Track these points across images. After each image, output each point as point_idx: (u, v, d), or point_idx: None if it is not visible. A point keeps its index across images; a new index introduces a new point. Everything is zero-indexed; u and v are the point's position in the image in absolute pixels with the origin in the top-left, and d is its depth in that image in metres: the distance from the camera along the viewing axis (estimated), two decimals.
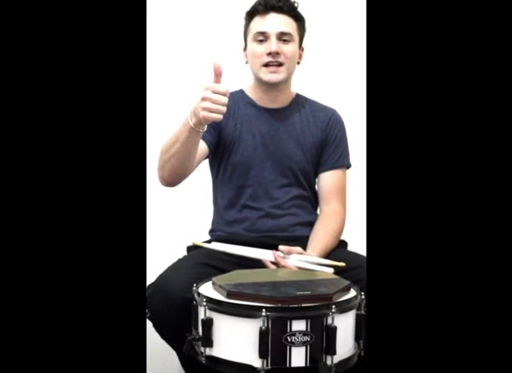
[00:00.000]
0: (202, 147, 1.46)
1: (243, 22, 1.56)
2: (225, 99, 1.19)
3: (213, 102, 1.18)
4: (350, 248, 1.57)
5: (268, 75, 1.48)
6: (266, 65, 1.48)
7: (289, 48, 1.48)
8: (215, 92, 1.18)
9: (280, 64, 1.48)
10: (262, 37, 1.48)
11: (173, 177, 1.41)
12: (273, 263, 1.38)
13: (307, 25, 1.56)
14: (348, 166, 1.61)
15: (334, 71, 2.03)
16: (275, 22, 1.48)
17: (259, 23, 1.49)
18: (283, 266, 1.35)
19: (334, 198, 1.57)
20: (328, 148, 1.58)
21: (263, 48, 1.48)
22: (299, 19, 1.52)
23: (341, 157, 1.59)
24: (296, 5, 1.51)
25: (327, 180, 1.58)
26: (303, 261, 1.37)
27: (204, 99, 1.18)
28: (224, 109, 1.20)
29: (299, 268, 1.35)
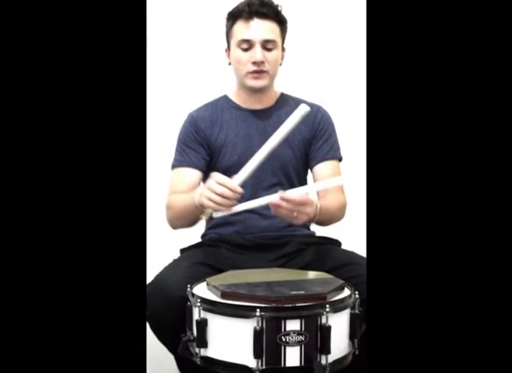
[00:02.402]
0: (196, 175, 1.53)
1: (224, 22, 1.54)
2: (228, 193, 1.24)
3: (217, 193, 1.24)
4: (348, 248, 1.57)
5: (253, 81, 1.49)
6: (251, 72, 1.48)
7: (273, 55, 1.49)
8: (220, 184, 1.25)
9: (264, 71, 1.48)
10: (247, 45, 1.47)
11: (177, 227, 1.53)
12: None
13: (298, 22, 1.55)
14: (340, 159, 1.60)
15: (334, 72, 2.03)
16: (260, 30, 1.47)
17: (243, 30, 1.48)
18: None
19: (332, 188, 1.51)
20: (317, 142, 1.57)
21: (247, 56, 1.48)
22: (282, 23, 1.51)
23: (332, 149, 1.58)
24: (279, 9, 1.50)
25: (321, 171, 1.56)
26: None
27: (209, 188, 1.26)
28: (229, 203, 1.25)
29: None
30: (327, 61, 2.05)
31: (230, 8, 1.53)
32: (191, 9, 2.05)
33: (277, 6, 1.50)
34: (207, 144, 1.54)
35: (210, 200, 1.26)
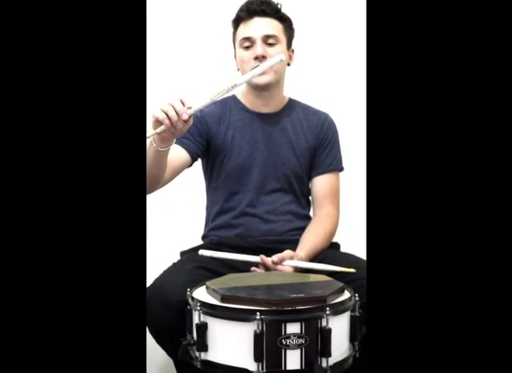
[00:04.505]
0: (182, 155, 1.48)
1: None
2: (178, 104, 1.20)
3: (169, 103, 1.20)
4: (346, 250, 1.57)
5: (257, 78, 1.46)
6: (254, 68, 1.47)
7: (276, 50, 1.48)
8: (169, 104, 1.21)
9: None
10: (248, 43, 1.48)
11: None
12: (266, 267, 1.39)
13: (305, 27, 1.56)
14: (340, 170, 1.62)
15: (330, 73, 2.03)
16: (259, 26, 1.48)
17: (244, 29, 1.50)
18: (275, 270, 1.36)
19: (328, 202, 1.58)
20: (322, 152, 1.59)
21: (249, 53, 1.48)
22: (284, 21, 1.52)
23: (335, 161, 1.60)
24: (279, 6, 1.52)
25: (320, 184, 1.59)
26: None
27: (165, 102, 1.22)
28: (176, 119, 1.20)
29: (295, 269, 1.37)
30: (327, 64, 2.05)
31: (230, 7, 1.54)
32: (192, 10, 2.04)
33: (277, 4, 1.51)
34: (207, 139, 1.53)
35: (162, 109, 1.21)
